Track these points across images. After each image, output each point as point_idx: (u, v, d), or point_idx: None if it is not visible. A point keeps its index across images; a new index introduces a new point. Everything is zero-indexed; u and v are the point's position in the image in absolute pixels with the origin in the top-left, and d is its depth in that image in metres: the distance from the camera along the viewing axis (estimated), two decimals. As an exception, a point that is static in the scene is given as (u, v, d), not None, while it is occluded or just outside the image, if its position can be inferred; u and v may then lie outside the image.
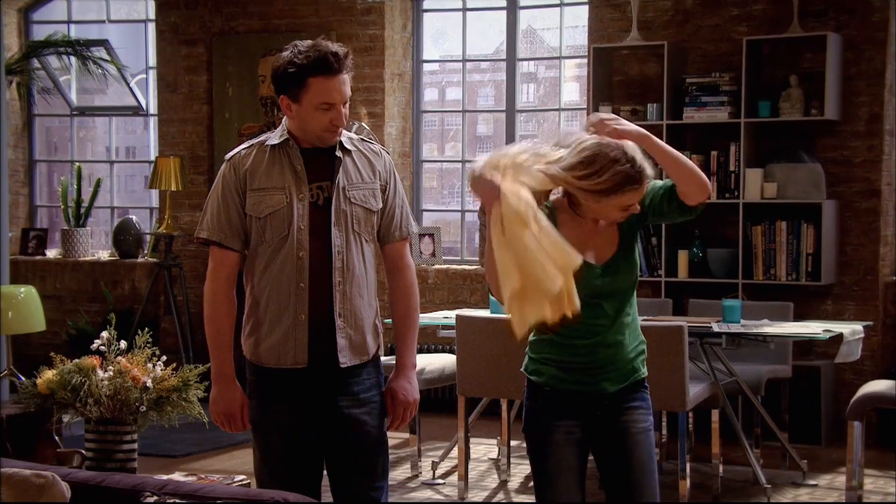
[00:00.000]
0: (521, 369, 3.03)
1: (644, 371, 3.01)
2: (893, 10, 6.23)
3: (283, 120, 3.10)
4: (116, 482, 2.55)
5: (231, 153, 3.14)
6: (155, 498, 2.43)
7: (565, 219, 2.93)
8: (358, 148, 3.12)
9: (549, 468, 2.95)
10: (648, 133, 2.92)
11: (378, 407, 3.11)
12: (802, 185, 6.25)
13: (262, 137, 3.12)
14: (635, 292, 3.01)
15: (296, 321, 3.02)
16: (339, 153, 3.05)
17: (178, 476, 4.36)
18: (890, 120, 6.28)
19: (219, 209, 3.07)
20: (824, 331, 5.12)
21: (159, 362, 4.23)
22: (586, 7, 6.89)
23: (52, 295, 8.04)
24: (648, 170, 2.90)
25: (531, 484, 5.38)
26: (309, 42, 3.00)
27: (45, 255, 8.26)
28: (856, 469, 4.94)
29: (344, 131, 3.10)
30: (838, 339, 5.13)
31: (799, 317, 5.91)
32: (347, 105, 3.03)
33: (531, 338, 2.97)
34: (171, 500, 2.39)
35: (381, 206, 3.11)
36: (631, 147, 2.89)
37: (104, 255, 8.18)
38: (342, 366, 3.03)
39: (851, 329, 5.28)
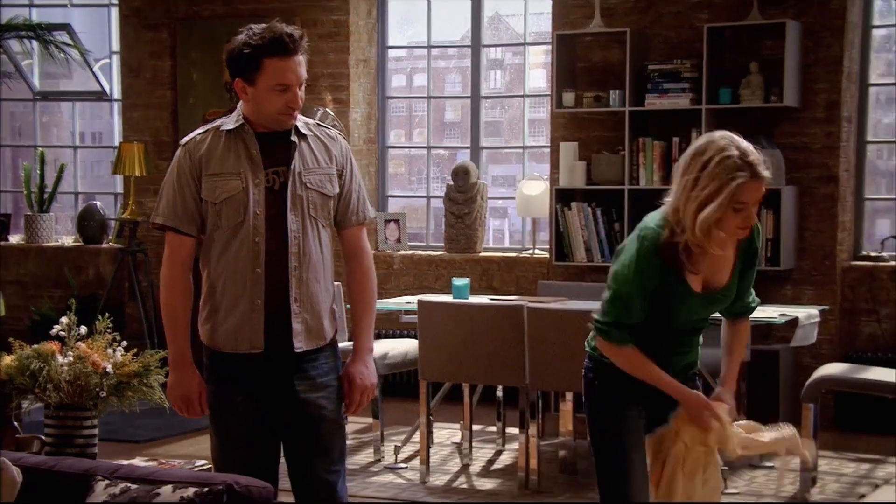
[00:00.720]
0: (589, 350, 3.09)
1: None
2: (851, -2, 6.31)
3: (239, 105, 3.10)
4: (68, 466, 2.56)
5: (186, 138, 3.14)
6: (107, 482, 2.43)
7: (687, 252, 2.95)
8: (314, 133, 3.13)
9: (626, 446, 3.03)
10: (731, 385, 3.13)
11: (335, 391, 3.13)
12: (762, 172, 6.31)
13: (218, 122, 3.12)
14: None
15: (252, 306, 3.03)
16: (294, 138, 3.06)
17: (138, 461, 4.38)
18: (847, 107, 6.36)
19: (174, 195, 3.07)
20: (780, 315, 5.20)
21: (120, 347, 4.24)
22: (550, -6, 6.93)
23: (15, 281, 8.02)
24: (764, 170, 2.88)
25: (492, 468, 5.44)
26: (263, 25, 3.01)
27: (8, 240, 8.22)
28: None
29: (300, 116, 3.11)
30: (795, 323, 5.21)
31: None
32: (303, 87, 3.04)
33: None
34: (122, 484, 2.40)
35: (337, 191, 3.12)
36: (741, 140, 2.92)
37: (68, 240, 8.16)
38: (297, 350, 3.05)
39: (807, 313, 5.37)
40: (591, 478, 5.19)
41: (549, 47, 6.89)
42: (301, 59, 3.00)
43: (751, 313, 3.13)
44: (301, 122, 3.11)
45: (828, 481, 5.24)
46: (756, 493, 5.04)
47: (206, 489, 2.40)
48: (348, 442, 5.80)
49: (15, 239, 8.25)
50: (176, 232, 3.07)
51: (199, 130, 3.13)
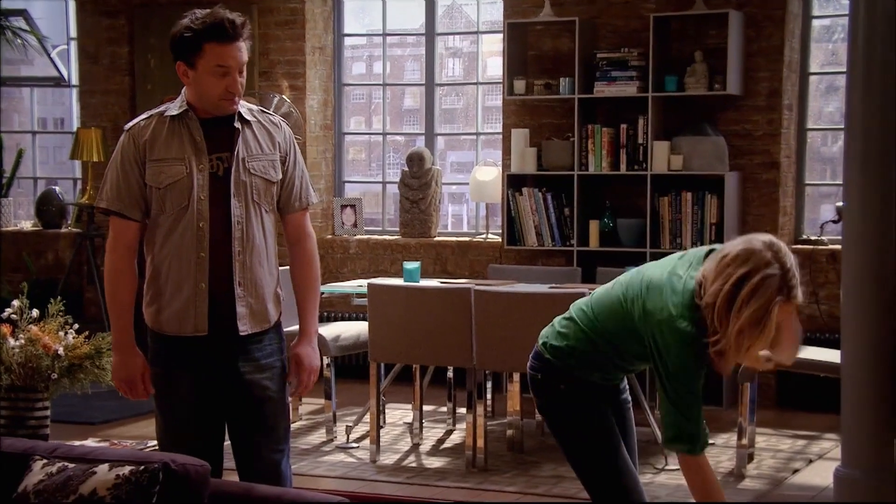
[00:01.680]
0: (548, 353, 2.97)
1: None
2: (791, -11, 6.47)
3: (183, 91, 3.17)
4: (8, 447, 2.62)
5: (130, 124, 3.20)
6: (44, 461, 2.50)
7: None
8: (258, 119, 3.19)
9: (616, 444, 2.95)
10: None
11: (279, 372, 3.21)
12: (707, 158, 6.48)
13: (162, 108, 3.18)
14: None
15: (196, 290, 3.09)
16: (237, 124, 3.13)
17: (90, 442, 4.48)
18: (788, 95, 6.53)
19: (118, 179, 3.12)
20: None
21: (71, 330, 4.35)
22: (502, -18, 7.05)
23: (-26, 265, 8.09)
24: (799, 294, 2.65)
25: (442, 447, 5.58)
26: (206, 10, 3.07)
27: (-33, 225, 8.28)
28: (747, 428, 5.19)
29: (244, 102, 3.18)
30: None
31: (703, 284, 6.15)
32: (244, 73, 3.10)
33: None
34: (60, 463, 2.48)
35: (280, 177, 3.19)
36: (784, 253, 2.68)
37: (28, 225, 8.22)
38: (241, 333, 3.12)
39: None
40: (535, 455, 5.37)
41: (502, 36, 7.01)
42: (242, 45, 3.07)
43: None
44: (245, 108, 3.18)
45: (764, 457, 5.42)
46: (695, 470, 5.20)
47: (141, 467, 2.46)
48: (302, 423, 5.99)
49: (-26, 223, 8.31)
50: (120, 216, 3.13)
51: (143, 116, 3.19)
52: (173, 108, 3.15)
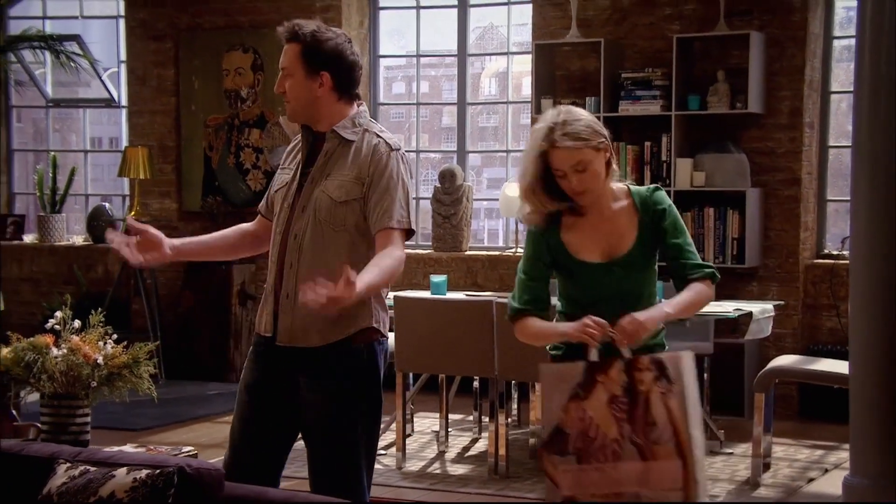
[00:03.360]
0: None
1: None
2: (811, 10, 6.60)
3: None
4: (35, 451, 2.80)
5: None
6: (68, 465, 2.68)
7: (569, 222, 3.08)
8: (362, 139, 3.17)
9: None
10: (667, 311, 2.96)
11: (343, 396, 3.12)
12: (729, 174, 6.64)
13: None
14: (655, 298, 3.09)
15: (270, 292, 3.22)
16: (327, 143, 3.17)
17: (128, 447, 4.70)
18: (809, 113, 6.66)
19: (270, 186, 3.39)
20: (735, 310, 5.52)
21: (110, 340, 4.60)
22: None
23: (28, 278, 8.46)
24: (567, 140, 2.96)
25: (467, 455, 5.79)
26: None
27: (22, 239, 8.65)
28: (763, 437, 5.32)
29: (360, 122, 3.18)
30: (750, 317, 5.53)
31: (726, 297, 6.30)
32: (286, 75, 3.16)
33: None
34: (82, 467, 2.66)
35: (349, 198, 3.11)
36: (561, 113, 3.02)
37: (79, 239, 8.58)
38: (278, 343, 3.17)
39: (761, 308, 5.68)
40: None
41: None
42: (287, 47, 3.24)
43: (708, 278, 3.06)
44: (350, 129, 3.17)
45: (781, 466, 5.55)
46: (712, 478, 5.34)
47: (157, 471, 2.60)
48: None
49: (29, 238, 8.68)
50: (259, 214, 3.40)
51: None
52: None
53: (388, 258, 3.06)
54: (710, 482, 5.25)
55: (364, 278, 2.96)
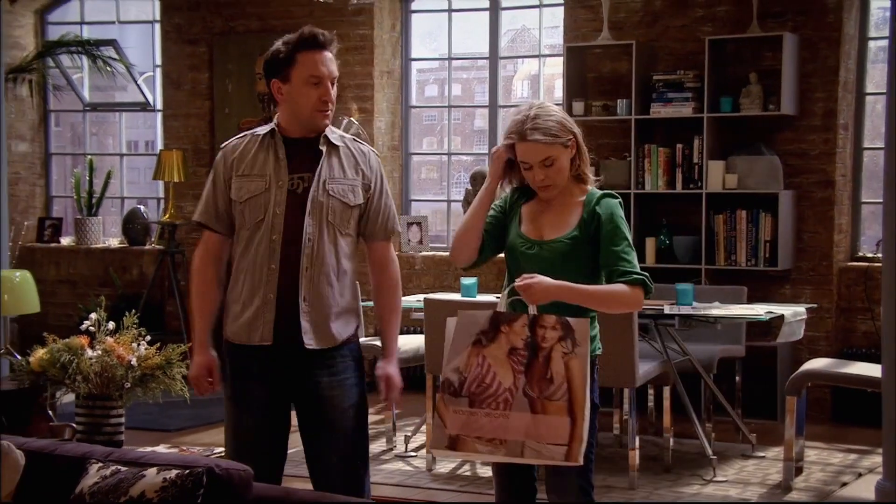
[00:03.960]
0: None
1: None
2: (846, 11, 6.56)
3: (276, 115, 3.33)
4: (67, 451, 2.85)
5: (225, 143, 3.38)
6: (100, 464, 2.73)
7: (534, 200, 3.21)
8: (347, 146, 3.30)
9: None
10: (569, 287, 3.00)
11: (352, 389, 3.27)
12: (761, 177, 6.61)
13: (257, 129, 3.33)
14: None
15: (265, 300, 3.20)
16: (323, 147, 3.23)
17: (160, 448, 4.78)
18: (844, 115, 6.62)
19: (209, 195, 3.32)
20: (766, 312, 5.49)
21: (143, 342, 4.66)
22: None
23: (66, 280, 8.57)
24: (536, 135, 3.08)
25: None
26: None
27: (59, 242, 8.77)
28: (795, 441, 5.29)
29: (336, 130, 3.33)
30: (783, 320, 5.50)
31: (759, 300, 6.28)
32: (335, 86, 3.21)
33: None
34: (113, 467, 2.71)
35: (360, 202, 3.27)
36: (533, 107, 3.14)
37: (114, 242, 8.68)
38: (307, 347, 3.20)
39: (793, 311, 5.64)
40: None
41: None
42: (331, 56, 3.22)
43: (636, 284, 3.06)
44: (336, 134, 3.30)
45: (814, 470, 5.51)
46: (743, 482, 5.33)
47: (187, 471, 2.65)
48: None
49: (66, 241, 8.79)
50: (207, 228, 3.33)
51: (240, 136, 3.35)
52: (266, 127, 3.30)
53: (398, 286, 3.38)
54: (742, 486, 5.24)
55: (397, 332, 3.43)
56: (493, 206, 3.29)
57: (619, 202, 3.18)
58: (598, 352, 3.22)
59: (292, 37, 3.23)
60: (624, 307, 3.11)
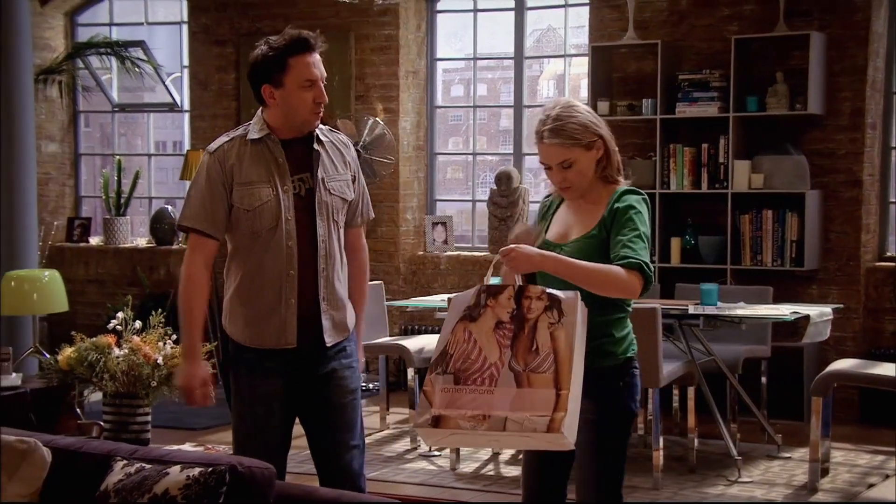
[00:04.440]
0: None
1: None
2: (875, 10, 6.51)
3: (258, 113, 3.30)
4: (93, 448, 2.87)
5: (213, 146, 3.28)
6: (125, 462, 2.76)
7: (565, 206, 3.15)
8: (330, 139, 3.32)
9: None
10: (557, 258, 2.94)
11: (355, 374, 3.40)
12: (788, 176, 6.58)
13: (241, 131, 3.29)
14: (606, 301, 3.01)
15: (287, 305, 3.23)
16: (316, 146, 3.24)
17: (186, 446, 4.83)
18: (871, 114, 6.57)
19: (203, 200, 3.23)
20: (791, 313, 5.46)
21: (169, 341, 4.72)
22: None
23: (94, 279, 8.65)
24: (553, 137, 3.01)
25: (520, 456, 5.78)
26: (279, 34, 3.25)
27: (88, 242, 8.85)
28: (822, 442, 5.26)
29: (319, 125, 3.32)
30: (809, 320, 5.48)
31: (785, 300, 6.25)
32: (324, 84, 3.24)
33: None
34: (138, 464, 2.74)
35: (353, 196, 3.35)
36: (557, 106, 3.05)
37: (142, 242, 8.75)
38: (328, 345, 3.27)
39: (819, 311, 5.61)
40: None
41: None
42: (319, 56, 3.23)
43: (632, 268, 2.96)
44: (323, 129, 3.32)
45: (840, 471, 5.48)
46: (768, 482, 5.31)
47: (210, 469, 2.66)
48: (388, 431, 6.28)
49: (95, 241, 8.87)
50: (200, 234, 3.26)
51: (225, 139, 3.29)
52: (253, 131, 3.26)
53: (366, 271, 3.50)
54: (767, 487, 5.22)
55: (362, 318, 3.47)
56: (536, 218, 3.26)
57: (643, 198, 3.09)
58: (631, 353, 3.10)
59: (279, 40, 3.20)
60: (614, 289, 2.94)
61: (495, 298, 2.83)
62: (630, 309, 3.13)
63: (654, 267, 6.79)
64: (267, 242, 3.23)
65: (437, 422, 2.76)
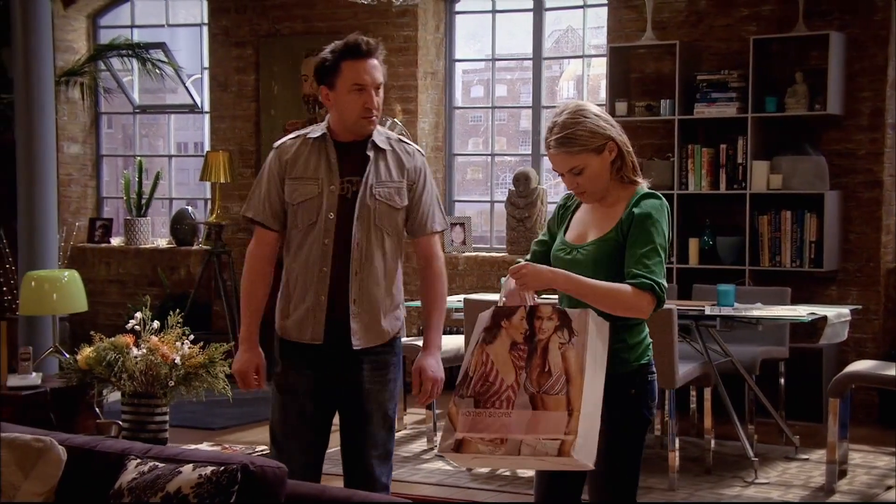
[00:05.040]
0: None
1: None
2: (895, 9, 6.48)
3: (327, 116, 3.40)
4: (107, 447, 2.90)
5: (279, 142, 3.45)
6: (138, 461, 2.78)
7: (584, 207, 3.10)
8: (393, 148, 3.38)
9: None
10: (566, 276, 2.91)
11: (392, 387, 3.40)
12: (806, 177, 6.55)
13: (308, 130, 3.43)
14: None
15: (317, 301, 3.32)
16: (370, 152, 3.33)
17: (204, 446, 4.85)
18: (891, 114, 6.54)
19: (262, 193, 3.39)
20: (809, 314, 5.44)
21: (187, 341, 4.74)
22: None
23: (115, 279, 8.72)
24: (559, 145, 2.98)
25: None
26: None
27: (109, 242, 8.91)
28: (839, 443, 5.24)
29: (384, 130, 3.41)
30: (826, 321, 5.45)
31: (804, 301, 6.23)
32: (381, 93, 3.29)
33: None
34: (151, 463, 2.76)
35: (405, 203, 3.37)
36: (565, 112, 3.00)
37: (163, 242, 8.80)
38: (355, 347, 3.32)
39: (837, 312, 5.59)
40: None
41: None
42: (377, 63, 3.30)
43: (644, 289, 2.90)
44: (383, 136, 3.38)
45: (858, 473, 5.45)
46: (785, 484, 5.30)
47: (222, 468, 2.68)
48: (406, 432, 6.30)
49: (116, 241, 8.94)
50: (262, 226, 3.41)
51: (292, 135, 3.44)
52: (316, 130, 3.39)
53: (442, 280, 3.47)
54: (784, 488, 5.21)
55: (440, 324, 3.47)
56: (549, 221, 3.21)
57: (662, 203, 3.00)
58: (646, 360, 3.05)
59: (339, 44, 3.32)
60: (624, 309, 2.90)
61: (509, 320, 2.85)
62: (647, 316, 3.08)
63: (673, 268, 6.79)
64: (306, 237, 3.35)
65: (459, 446, 2.79)
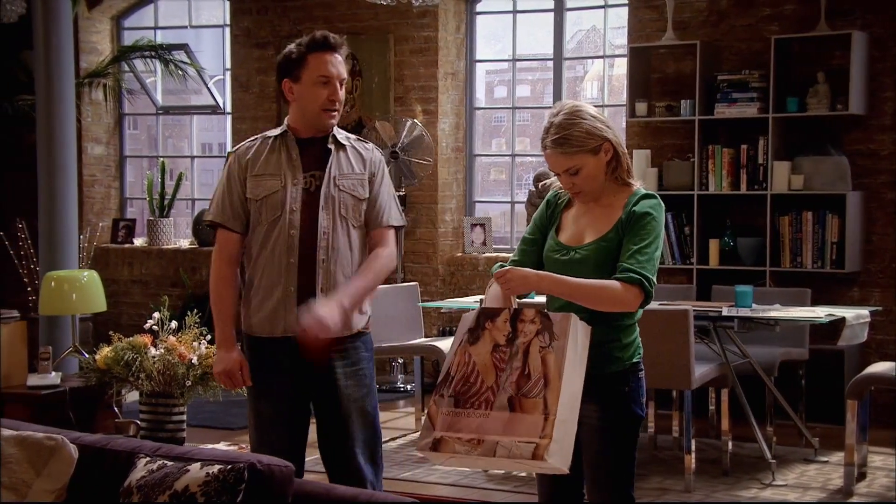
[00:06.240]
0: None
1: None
2: (918, 8, 6.43)
3: (287, 117, 3.50)
4: (118, 445, 2.94)
5: (235, 147, 3.55)
6: (147, 459, 2.82)
7: (578, 207, 3.11)
8: (353, 146, 3.50)
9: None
10: (553, 278, 2.93)
11: (365, 380, 3.44)
12: (828, 177, 6.51)
13: (267, 132, 3.54)
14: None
15: (286, 293, 3.36)
16: (331, 146, 3.42)
17: (221, 445, 4.87)
18: (915, 114, 6.49)
19: (223, 195, 3.46)
20: (827, 315, 5.41)
21: (204, 341, 4.77)
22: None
23: (138, 280, 8.77)
24: (556, 146, 2.99)
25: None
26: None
27: (132, 243, 8.97)
28: (858, 446, 5.20)
29: (342, 130, 3.49)
30: (845, 323, 5.41)
31: (825, 303, 6.19)
32: (343, 90, 3.39)
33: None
34: (160, 461, 2.80)
35: (367, 195, 3.45)
36: (561, 113, 3.02)
37: (185, 243, 8.85)
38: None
39: (856, 313, 5.54)
40: (643, 468, 5.49)
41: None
42: (341, 59, 3.38)
43: (632, 283, 2.93)
44: (342, 135, 3.48)
45: (878, 476, 5.41)
46: (803, 486, 5.27)
47: (229, 467, 2.71)
48: (420, 433, 6.29)
49: (139, 242, 9.00)
50: (224, 228, 3.45)
51: (249, 140, 3.54)
52: (276, 130, 3.49)
53: (381, 259, 3.42)
54: (801, 491, 5.18)
55: (359, 285, 3.36)
56: (534, 220, 3.19)
57: (660, 204, 3.05)
58: (637, 358, 3.08)
59: (305, 39, 3.40)
60: (612, 304, 2.92)
61: (493, 321, 2.86)
62: (639, 315, 3.11)
63: (693, 269, 6.76)
64: (271, 232, 3.38)
65: (436, 445, 2.81)
